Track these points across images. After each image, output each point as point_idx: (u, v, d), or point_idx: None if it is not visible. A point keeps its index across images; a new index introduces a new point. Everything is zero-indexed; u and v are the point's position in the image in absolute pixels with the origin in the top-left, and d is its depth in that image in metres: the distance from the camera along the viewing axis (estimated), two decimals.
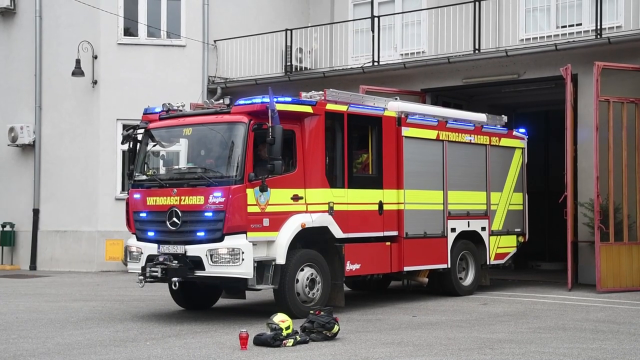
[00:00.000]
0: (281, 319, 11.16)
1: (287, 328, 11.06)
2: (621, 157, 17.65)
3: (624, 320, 13.23)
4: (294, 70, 23.73)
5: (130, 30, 23.77)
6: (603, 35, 18.80)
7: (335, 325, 11.38)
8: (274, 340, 10.81)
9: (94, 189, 23.24)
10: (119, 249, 22.58)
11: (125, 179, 22.90)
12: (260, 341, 10.86)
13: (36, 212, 24.02)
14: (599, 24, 18.84)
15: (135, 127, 14.41)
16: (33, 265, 23.82)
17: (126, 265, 22.11)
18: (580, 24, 19.93)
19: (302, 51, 23.95)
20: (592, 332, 12.05)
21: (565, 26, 20.16)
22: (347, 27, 23.96)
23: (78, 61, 22.85)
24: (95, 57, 23.31)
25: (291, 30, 23.74)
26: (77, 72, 22.87)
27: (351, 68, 22.68)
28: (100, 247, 23.02)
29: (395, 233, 15.33)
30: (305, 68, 23.96)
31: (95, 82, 23.30)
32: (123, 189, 23.08)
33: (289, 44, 23.74)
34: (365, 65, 22.19)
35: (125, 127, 22.25)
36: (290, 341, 10.90)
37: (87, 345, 11.04)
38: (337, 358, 10.08)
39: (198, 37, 23.90)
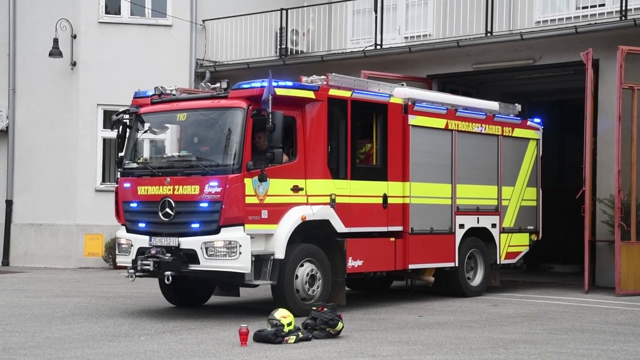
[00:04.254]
0: (282, 315, 11.64)
1: (289, 324, 11.54)
2: None
3: None
4: (288, 53, 24.09)
5: (112, 7, 24.14)
6: (628, 17, 18.94)
7: (339, 323, 11.84)
8: (275, 336, 11.27)
9: (72, 180, 23.62)
10: (99, 244, 23.04)
11: (106, 169, 23.43)
12: (260, 337, 11.32)
13: (9, 204, 24.45)
14: (623, 4, 19.00)
15: (124, 112, 14.76)
16: (6, 261, 24.24)
17: (107, 261, 22.75)
18: (603, 5, 20.06)
19: (297, 33, 24.29)
20: (612, 334, 12.49)
21: (586, 7, 20.29)
22: (347, 7, 24.21)
23: (56, 41, 23.19)
24: (75, 37, 23.68)
25: (286, 10, 24.04)
26: (55, 52, 23.22)
27: (351, 52, 22.97)
28: (78, 242, 23.42)
29: (400, 228, 15.75)
30: (301, 51, 24.31)
31: (74, 64, 23.68)
32: (104, 180, 23.54)
33: (283, 25, 24.08)
34: (367, 49, 22.53)
35: (107, 112, 22.79)
36: (292, 338, 11.36)
37: (78, 339, 11.52)
38: (342, 355, 10.53)
39: (185, 16, 24.27)
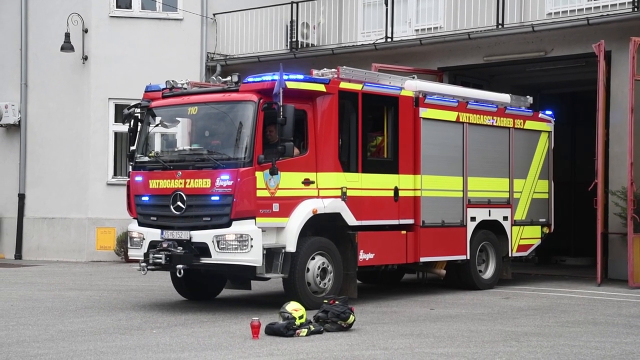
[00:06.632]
0: (294, 308, 11.63)
1: (301, 317, 11.54)
2: None
3: None
4: (299, 46, 24.07)
5: (123, 1, 24.17)
6: None
7: (351, 316, 11.83)
8: (287, 329, 11.27)
9: (84, 174, 23.69)
10: (110, 237, 23.10)
11: (118, 163, 23.50)
12: (272, 330, 11.33)
13: (22, 198, 24.54)
14: None
15: (136, 105, 14.79)
16: (18, 254, 24.35)
17: (119, 255, 22.82)
18: None
19: (307, 26, 24.27)
20: (625, 326, 12.47)
21: None
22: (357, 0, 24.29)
23: (67, 35, 23.22)
24: (86, 31, 23.74)
25: (297, 3, 24.04)
26: (66, 47, 23.26)
27: (362, 45, 22.96)
28: (90, 235, 23.51)
29: (411, 221, 15.74)
30: (312, 45, 24.29)
31: (85, 58, 23.73)
32: (115, 174, 23.61)
33: (294, 18, 24.06)
34: (377, 42, 22.50)
35: (118, 106, 22.86)
36: (304, 331, 11.36)
37: (91, 332, 11.57)
38: (354, 348, 10.53)
39: (196, 10, 24.29)
